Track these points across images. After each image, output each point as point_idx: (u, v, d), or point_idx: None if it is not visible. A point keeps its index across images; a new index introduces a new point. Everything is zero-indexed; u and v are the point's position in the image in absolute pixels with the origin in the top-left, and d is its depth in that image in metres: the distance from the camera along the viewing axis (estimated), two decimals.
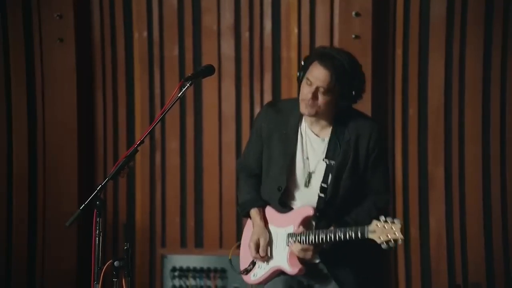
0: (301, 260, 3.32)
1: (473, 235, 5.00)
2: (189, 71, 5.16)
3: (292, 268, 3.34)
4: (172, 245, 5.29)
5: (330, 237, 3.22)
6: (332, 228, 3.25)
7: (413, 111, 5.06)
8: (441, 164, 5.03)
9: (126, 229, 5.28)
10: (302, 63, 3.35)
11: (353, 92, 3.28)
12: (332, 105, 3.27)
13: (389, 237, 3.09)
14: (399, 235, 3.08)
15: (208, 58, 5.16)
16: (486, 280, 4.97)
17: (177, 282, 5.23)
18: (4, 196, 5.29)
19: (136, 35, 5.31)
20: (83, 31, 5.30)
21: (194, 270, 5.22)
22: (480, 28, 4.96)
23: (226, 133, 5.24)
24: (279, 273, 3.39)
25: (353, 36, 4.96)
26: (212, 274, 5.19)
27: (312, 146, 3.34)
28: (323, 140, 3.34)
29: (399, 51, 5.07)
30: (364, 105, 4.40)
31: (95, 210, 3.04)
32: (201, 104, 5.28)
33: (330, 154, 3.30)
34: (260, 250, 3.39)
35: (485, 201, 4.99)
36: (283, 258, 3.36)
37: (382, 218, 3.11)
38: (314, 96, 3.23)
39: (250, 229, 3.49)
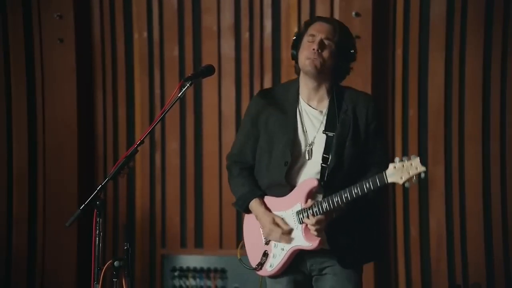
0: (318, 232, 3.25)
1: (473, 235, 4.99)
2: (189, 71, 5.16)
3: (311, 243, 3.27)
4: (172, 245, 5.29)
5: (346, 197, 3.16)
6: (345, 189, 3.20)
7: (413, 111, 5.06)
8: (441, 164, 5.03)
9: (126, 229, 5.28)
10: (294, 37, 3.41)
11: (351, 50, 3.37)
12: (334, 62, 3.33)
13: (411, 173, 3.01)
14: (421, 168, 3.00)
15: (208, 58, 5.16)
16: (486, 281, 4.97)
17: (177, 282, 5.23)
18: (4, 196, 5.30)
19: (136, 35, 5.32)
20: (83, 31, 5.31)
21: (194, 270, 5.23)
22: (480, 28, 4.96)
23: (226, 133, 5.24)
24: (297, 253, 3.33)
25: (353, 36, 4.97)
26: (212, 274, 5.19)
27: (310, 119, 3.35)
28: (321, 112, 3.36)
29: (399, 51, 5.07)
30: None
31: (95, 210, 3.05)
32: (201, 104, 5.28)
33: (329, 126, 3.32)
34: (282, 225, 3.32)
35: (485, 201, 4.99)
36: (299, 236, 3.30)
37: (397, 159, 3.06)
38: (320, 46, 3.31)
39: (249, 226, 3.46)
